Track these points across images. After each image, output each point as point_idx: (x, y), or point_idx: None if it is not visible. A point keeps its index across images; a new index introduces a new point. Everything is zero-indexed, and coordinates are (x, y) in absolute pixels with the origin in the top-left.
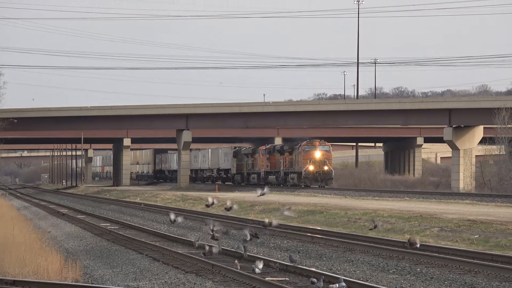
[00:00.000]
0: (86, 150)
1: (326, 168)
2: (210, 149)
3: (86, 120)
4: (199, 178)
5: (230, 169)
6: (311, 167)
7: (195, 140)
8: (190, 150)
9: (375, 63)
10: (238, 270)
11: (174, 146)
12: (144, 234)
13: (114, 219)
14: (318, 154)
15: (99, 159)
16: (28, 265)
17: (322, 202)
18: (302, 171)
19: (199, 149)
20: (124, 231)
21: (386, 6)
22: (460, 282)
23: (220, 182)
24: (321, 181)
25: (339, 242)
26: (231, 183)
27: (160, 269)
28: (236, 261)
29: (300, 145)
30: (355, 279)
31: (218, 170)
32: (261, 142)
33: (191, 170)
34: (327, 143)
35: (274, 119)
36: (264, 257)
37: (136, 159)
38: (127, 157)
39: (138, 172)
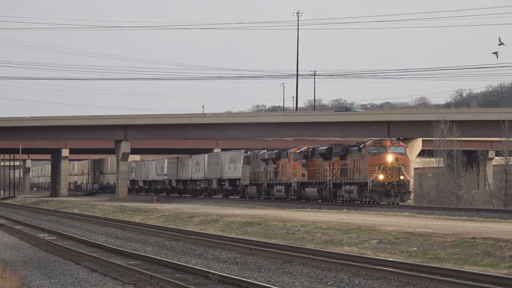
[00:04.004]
0: (24, 160)
1: (402, 177)
2: (206, 155)
3: (24, 131)
4: (191, 190)
5: (239, 179)
6: (381, 176)
7: (134, 151)
8: (177, 158)
9: (314, 75)
10: (176, 281)
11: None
12: (82, 245)
13: (52, 230)
14: (390, 158)
15: (49, 168)
16: None
17: (261, 214)
18: (368, 182)
19: (190, 156)
20: (62, 241)
21: (325, 18)
22: None
23: (221, 197)
24: (395, 195)
25: (278, 253)
26: (238, 198)
27: (98, 280)
28: None
29: (364, 145)
30: None
31: (220, 180)
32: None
33: (178, 181)
34: (402, 143)
35: (213, 130)
36: (203, 268)
37: (80, 169)
38: (65, 167)
39: (83, 183)
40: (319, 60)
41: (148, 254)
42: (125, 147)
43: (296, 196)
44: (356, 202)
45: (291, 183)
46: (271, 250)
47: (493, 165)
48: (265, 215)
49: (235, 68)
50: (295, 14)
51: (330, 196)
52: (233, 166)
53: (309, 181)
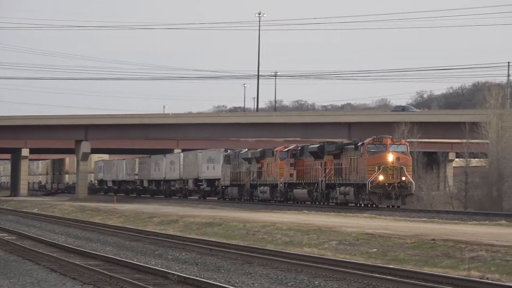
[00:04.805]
0: None
1: (404, 178)
2: (181, 154)
3: None
4: (164, 191)
5: (219, 179)
6: (381, 177)
7: (95, 151)
8: (149, 157)
9: (275, 76)
10: (135, 282)
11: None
12: (41, 245)
13: (11, 229)
14: (391, 157)
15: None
16: None
17: (221, 215)
18: (366, 183)
19: (163, 155)
20: (21, 241)
21: (287, 19)
22: None
23: (197, 197)
24: (396, 197)
25: (238, 254)
26: (216, 199)
27: (58, 280)
28: None
29: (363, 143)
30: None
31: (197, 180)
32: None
33: (150, 181)
34: (403, 141)
35: (174, 131)
36: (162, 269)
37: (44, 169)
38: (25, 167)
39: (47, 182)
40: (280, 61)
41: (108, 254)
42: (85, 147)
43: (283, 197)
44: (351, 204)
45: (277, 183)
46: (231, 251)
47: (453, 166)
48: (225, 216)
49: (196, 69)
50: (256, 14)
51: (322, 198)
52: (211, 166)
53: (298, 181)
